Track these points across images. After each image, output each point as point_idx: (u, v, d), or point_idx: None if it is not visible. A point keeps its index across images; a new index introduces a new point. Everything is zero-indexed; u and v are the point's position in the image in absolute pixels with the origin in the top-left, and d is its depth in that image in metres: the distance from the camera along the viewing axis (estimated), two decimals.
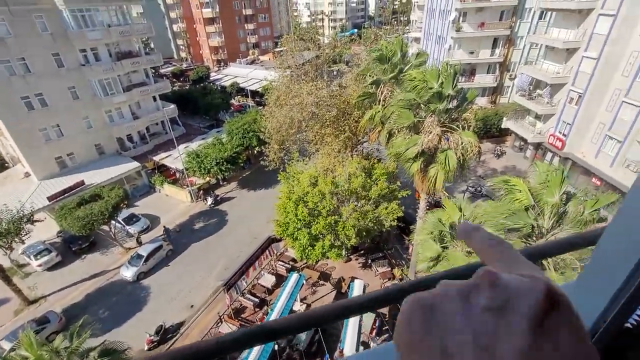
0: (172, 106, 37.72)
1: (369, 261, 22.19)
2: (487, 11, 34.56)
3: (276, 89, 22.65)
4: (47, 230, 26.13)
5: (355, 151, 21.83)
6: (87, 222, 21.44)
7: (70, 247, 25.02)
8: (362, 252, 23.22)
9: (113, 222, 24.14)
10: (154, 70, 46.07)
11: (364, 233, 18.38)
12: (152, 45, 58.14)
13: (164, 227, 26.89)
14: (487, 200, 21.16)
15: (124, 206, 25.45)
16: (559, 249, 1.21)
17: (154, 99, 36.89)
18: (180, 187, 31.47)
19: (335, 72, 25.59)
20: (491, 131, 35.41)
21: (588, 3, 24.56)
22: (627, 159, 23.89)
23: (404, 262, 22.14)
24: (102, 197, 23.28)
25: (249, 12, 71.85)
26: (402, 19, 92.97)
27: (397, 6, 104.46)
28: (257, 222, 26.52)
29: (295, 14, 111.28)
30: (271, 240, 23.06)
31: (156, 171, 33.32)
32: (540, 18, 32.95)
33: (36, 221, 23.23)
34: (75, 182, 27.83)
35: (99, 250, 25.45)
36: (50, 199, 26.28)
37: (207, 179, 31.84)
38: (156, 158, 33.44)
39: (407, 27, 71.80)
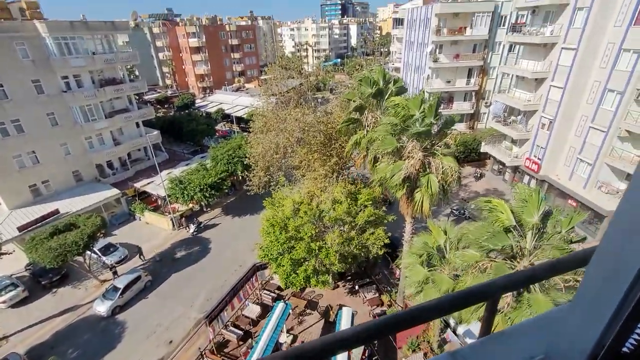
0: (156, 132, 37.42)
1: (357, 287, 21.74)
2: (461, 44, 36.88)
3: (262, 115, 22.92)
4: (15, 263, 24.50)
5: (342, 176, 21.98)
6: (59, 254, 20.23)
7: (40, 281, 23.42)
8: (348, 278, 22.79)
9: (88, 252, 22.93)
10: (137, 97, 46.02)
11: (350, 259, 18.13)
12: (136, 73, 58.41)
13: (137, 247, 26.07)
14: (471, 222, 21.52)
15: (101, 235, 24.34)
16: (548, 272, 1.20)
17: (137, 125, 36.55)
18: (162, 215, 30.54)
19: (319, 99, 26.26)
20: (471, 155, 36.66)
21: (551, 38, 26.65)
22: (598, 180, 25.07)
23: (391, 288, 21.82)
24: (77, 226, 22.20)
25: (235, 42, 73.97)
26: (382, 50, 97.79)
27: (377, 38, 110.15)
28: (242, 249, 25.82)
29: (281, 44, 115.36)
30: (256, 268, 22.37)
31: (137, 198, 32.36)
32: (509, 51, 35.37)
33: (3, 254, 21.80)
34: (50, 211, 26.57)
35: (71, 284, 23.91)
36: (20, 229, 24.86)
37: (190, 205, 31.12)
38: (137, 185, 32.59)
39: (388, 58, 75.41)
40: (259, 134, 22.52)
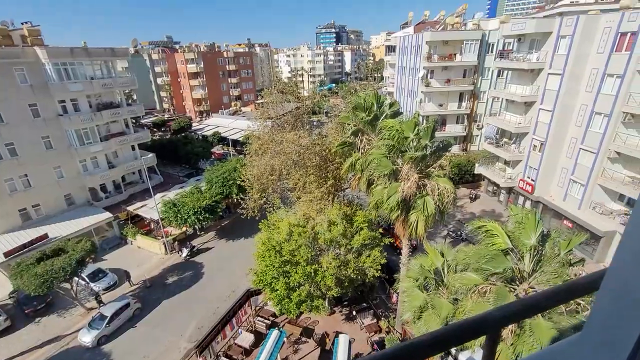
0: (151, 155, 37.39)
1: (354, 313, 21.08)
2: (452, 69, 38.13)
3: (258, 138, 23.08)
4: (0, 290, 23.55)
5: (337, 198, 21.88)
6: (45, 280, 19.46)
7: (24, 309, 22.41)
8: (345, 302, 22.14)
9: (76, 278, 22.15)
10: (134, 121, 46.34)
11: (346, 283, 17.69)
12: (134, 97, 59.19)
13: (125, 271, 25.33)
14: (468, 244, 21.29)
15: (90, 260, 23.64)
16: (553, 301, 1.09)
17: (133, 148, 36.58)
18: (154, 239, 29.90)
19: (315, 122, 26.61)
20: (465, 177, 36.93)
21: (537, 64, 27.69)
22: (592, 201, 25.23)
23: (389, 313, 21.17)
24: (66, 251, 21.55)
25: (232, 67, 75.84)
26: (375, 75, 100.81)
27: (370, 64, 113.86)
28: (236, 274, 25.15)
29: (277, 69, 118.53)
30: (250, 294, 21.71)
31: (129, 222, 31.78)
32: (498, 76, 36.57)
33: None
34: (38, 236, 25.88)
35: (56, 312, 22.90)
36: (6, 254, 24.09)
37: (184, 229, 30.58)
38: (130, 208, 32.12)
39: (381, 83, 77.56)
40: (254, 156, 22.57)
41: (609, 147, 23.49)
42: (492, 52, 36.89)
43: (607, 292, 0.77)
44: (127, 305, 21.75)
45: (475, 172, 36.01)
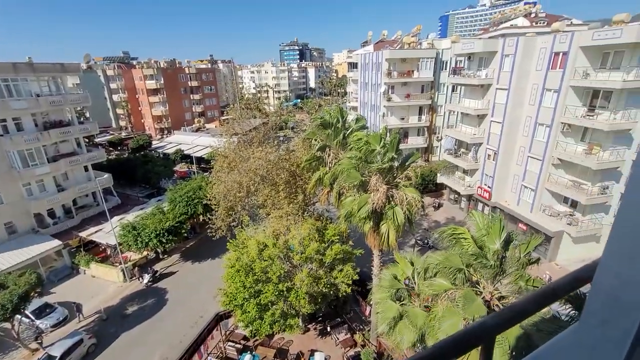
0: (107, 175, 35.03)
1: (328, 328, 20.74)
2: (411, 85, 40.27)
3: (224, 155, 22.53)
4: None
5: (307, 212, 21.78)
6: None
7: None
8: (319, 319, 21.75)
9: (18, 316, 19.71)
10: (87, 140, 43.43)
11: (319, 299, 17.43)
12: (87, 115, 55.65)
13: (75, 303, 23.03)
14: (435, 251, 22.01)
15: (36, 295, 21.24)
16: (547, 299, 1.09)
17: (86, 168, 34.08)
18: (111, 266, 27.66)
19: (282, 138, 26.60)
20: (429, 187, 38.56)
21: (486, 80, 30.09)
22: (542, 204, 27.37)
23: (364, 326, 21.09)
24: (6, 287, 19.17)
25: (195, 83, 74.26)
26: (339, 91, 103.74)
27: (334, 80, 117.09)
28: (203, 297, 23.83)
29: (241, 85, 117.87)
30: (219, 318, 20.62)
31: (82, 249, 29.18)
32: (453, 91, 39.19)
33: None
34: None
35: None
36: None
37: (145, 253, 28.66)
38: (83, 234, 29.57)
39: (345, 98, 79.84)
40: (220, 174, 21.94)
41: (552, 155, 25.80)
42: (446, 69, 39.54)
43: (601, 284, 0.79)
44: (80, 341, 19.67)
45: (438, 181, 37.76)
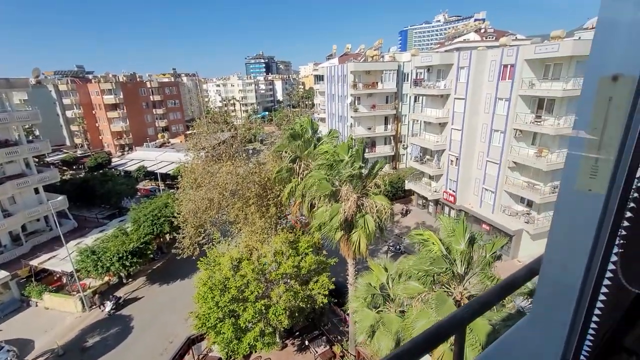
0: (61, 197, 32.54)
1: (306, 342, 20.38)
2: (376, 96, 41.73)
3: (191, 171, 21.84)
4: None
5: (280, 225, 21.54)
6: None
7: None
8: (296, 333, 21.33)
9: None
10: (37, 159, 40.27)
11: (297, 313, 17.17)
12: (37, 133, 51.75)
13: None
14: (406, 256, 22.58)
15: None
16: (502, 294, 1.22)
17: (36, 191, 31.48)
18: (68, 295, 25.47)
19: (251, 151, 26.31)
20: (398, 193, 39.70)
21: (445, 90, 31.94)
22: (501, 205, 29.14)
23: (342, 337, 20.97)
24: None
25: (157, 98, 71.82)
26: (307, 103, 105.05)
27: (301, 92, 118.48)
28: (172, 321, 22.55)
29: (207, 99, 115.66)
30: (191, 341, 19.60)
31: (33, 279, 26.64)
32: (415, 101, 41.06)
33: None
34: None
35: None
36: None
37: (106, 278, 26.73)
38: (34, 262, 27.05)
39: (313, 109, 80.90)
40: (188, 190, 21.20)
41: (507, 158, 27.71)
42: (407, 80, 41.48)
43: (546, 273, 0.89)
44: None
45: (406, 187, 39.03)
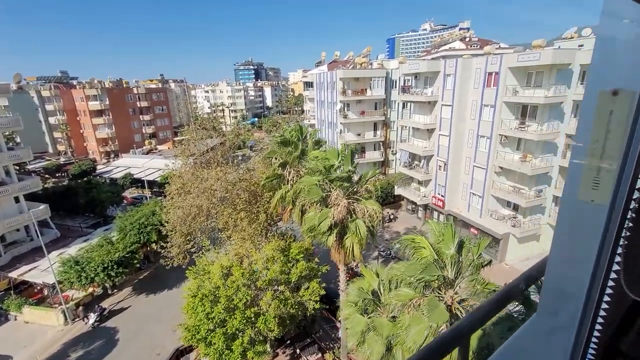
0: (43, 206, 31.50)
1: (297, 351, 20.13)
2: (365, 102, 42.18)
3: (180, 177, 21.51)
4: None
5: (270, 232, 21.36)
6: None
7: None
8: (288, 342, 21.05)
9: None
10: (18, 167, 39.05)
11: (288, 321, 16.96)
12: (17, 140, 50.19)
13: None
14: (397, 261, 22.67)
15: None
16: (512, 296, 1.22)
17: (17, 199, 30.43)
18: (49, 308, 24.54)
19: (240, 157, 26.13)
20: (387, 199, 39.97)
21: (432, 97, 32.55)
22: (489, 209, 29.66)
23: (333, 344, 20.80)
24: None
25: (144, 104, 70.86)
26: (296, 109, 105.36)
27: (291, 98, 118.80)
28: (160, 333, 21.96)
29: (195, 105, 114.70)
30: (179, 353, 19.11)
31: (12, 292, 25.58)
32: (403, 107, 41.69)
33: None
34: None
35: None
36: None
37: (90, 289, 25.89)
38: (13, 274, 26.02)
39: (302, 116, 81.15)
40: (176, 197, 20.84)
41: (494, 163, 28.31)
42: (395, 87, 42.10)
43: (550, 282, 0.91)
44: None
45: (396, 193, 39.35)
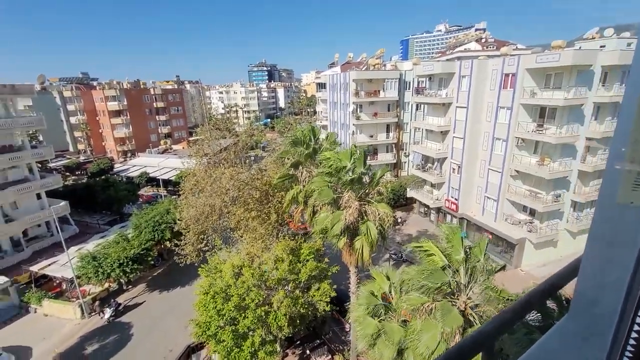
0: (63, 203, 32.62)
1: (307, 352, 20.12)
2: (378, 104, 41.95)
3: (193, 175, 21.89)
4: None
5: (281, 233, 21.47)
6: None
7: None
8: (297, 342, 21.08)
9: None
10: (41, 165, 40.51)
11: (298, 320, 16.99)
12: (40, 138, 52.10)
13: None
14: (409, 264, 22.42)
15: None
16: (543, 296, 1.18)
17: (39, 196, 31.56)
18: (67, 301, 25.31)
19: (253, 157, 26.40)
20: (399, 201, 39.60)
21: (446, 99, 32.09)
22: (504, 213, 28.99)
23: (343, 346, 20.70)
24: None
25: (160, 104, 72.43)
26: (309, 110, 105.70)
27: (303, 100, 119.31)
28: (172, 329, 22.34)
29: (209, 106, 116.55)
30: (191, 350, 19.41)
31: (32, 285, 26.52)
32: (417, 109, 41.30)
33: None
34: None
35: None
36: None
37: (107, 285, 26.58)
38: (34, 268, 26.96)
39: (315, 117, 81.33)
40: (189, 196, 21.21)
41: (509, 167, 27.67)
42: (409, 88, 41.73)
43: (582, 290, 0.88)
44: None
45: (408, 195, 38.93)
